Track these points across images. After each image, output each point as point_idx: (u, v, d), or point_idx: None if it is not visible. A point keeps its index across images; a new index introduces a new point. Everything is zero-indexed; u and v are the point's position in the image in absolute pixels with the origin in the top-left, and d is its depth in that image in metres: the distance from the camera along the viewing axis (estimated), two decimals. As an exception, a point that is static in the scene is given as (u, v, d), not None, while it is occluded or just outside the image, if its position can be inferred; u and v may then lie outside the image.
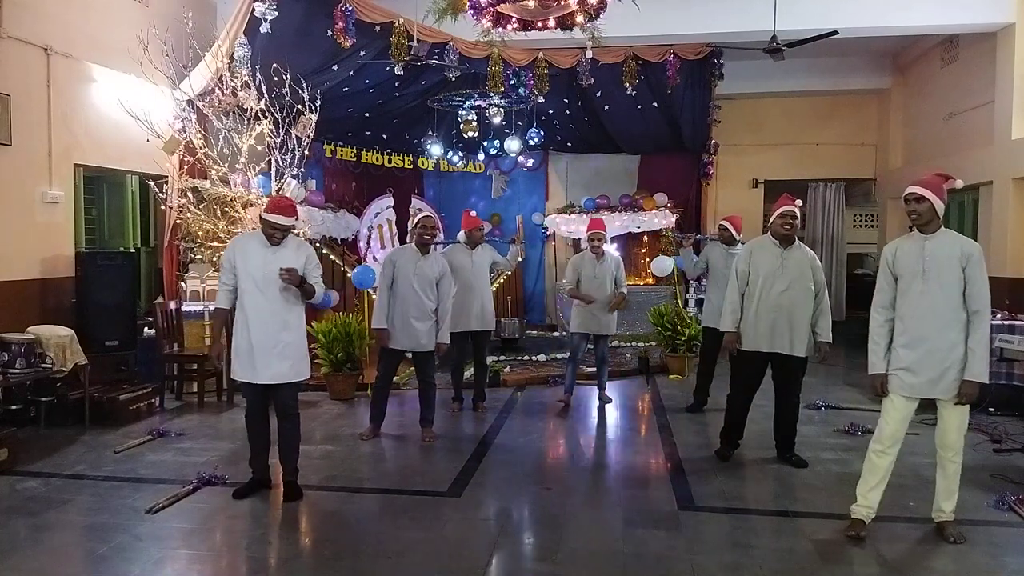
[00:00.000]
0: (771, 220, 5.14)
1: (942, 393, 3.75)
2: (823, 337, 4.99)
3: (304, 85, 7.31)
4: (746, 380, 5.19)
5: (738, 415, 5.25)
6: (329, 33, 7.19)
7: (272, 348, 4.38)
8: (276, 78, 7.12)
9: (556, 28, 5.29)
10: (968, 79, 9.63)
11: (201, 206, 7.54)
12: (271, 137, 7.44)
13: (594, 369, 7.01)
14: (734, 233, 6.65)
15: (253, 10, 6.71)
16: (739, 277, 5.12)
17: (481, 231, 6.74)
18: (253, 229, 6.98)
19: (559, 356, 8.82)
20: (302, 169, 7.94)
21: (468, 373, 6.90)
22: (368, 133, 10.92)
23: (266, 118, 7.29)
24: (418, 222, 5.74)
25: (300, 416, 4.65)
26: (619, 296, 6.72)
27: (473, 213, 6.81)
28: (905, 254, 3.84)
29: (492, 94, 9.03)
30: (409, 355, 5.81)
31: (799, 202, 5.09)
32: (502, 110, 9.85)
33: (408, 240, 6.02)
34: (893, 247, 3.93)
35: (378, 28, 7.50)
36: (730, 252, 6.52)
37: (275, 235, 4.35)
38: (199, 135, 7.30)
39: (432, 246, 5.84)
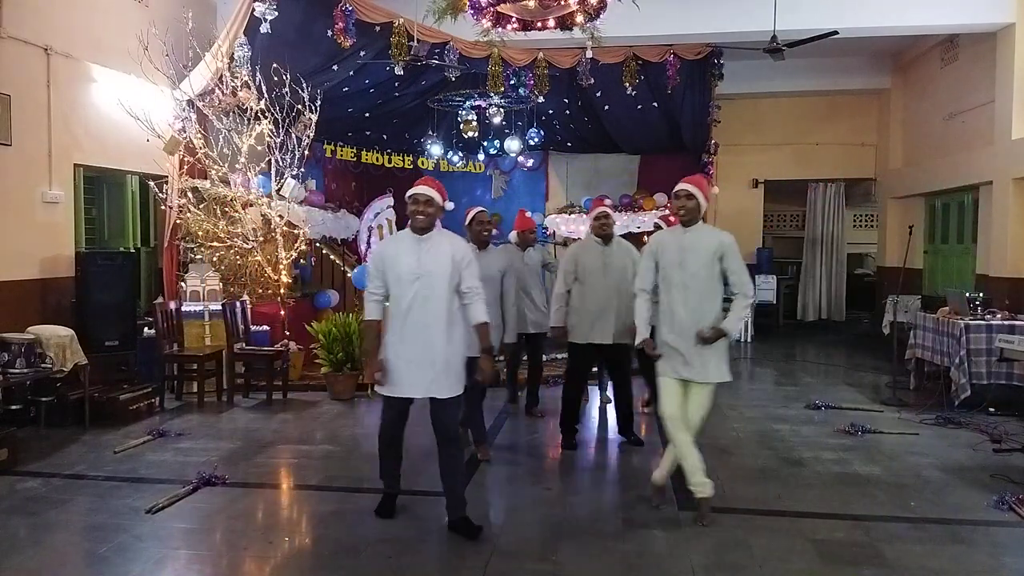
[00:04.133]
0: (589, 223, 5.54)
1: (694, 376, 4.03)
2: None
3: (304, 85, 7.31)
4: (579, 370, 5.63)
5: (575, 404, 5.63)
6: (329, 33, 7.19)
7: (429, 359, 3.84)
8: (276, 78, 7.12)
9: (556, 28, 5.29)
10: (968, 79, 9.63)
11: (201, 206, 7.54)
12: (271, 137, 7.45)
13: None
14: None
15: (253, 10, 6.72)
16: (565, 277, 5.50)
17: (534, 233, 6.67)
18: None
19: (559, 356, 8.79)
20: (302, 169, 7.95)
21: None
22: (368, 133, 10.92)
23: (266, 118, 7.29)
24: (473, 217, 5.37)
25: (460, 442, 4.16)
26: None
27: (529, 214, 6.77)
28: (667, 246, 4.13)
29: (492, 94, 9.03)
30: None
31: (609, 201, 5.40)
32: (502, 110, 9.85)
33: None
34: (657, 238, 4.28)
35: (378, 28, 7.50)
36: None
37: (418, 215, 3.83)
38: (199, 135, 7.30)
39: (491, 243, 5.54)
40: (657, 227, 6.59)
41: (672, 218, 6.84)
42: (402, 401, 3.96)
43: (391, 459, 4.20)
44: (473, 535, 3.85)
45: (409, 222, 3.93)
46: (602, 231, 5.42)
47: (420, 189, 3.89)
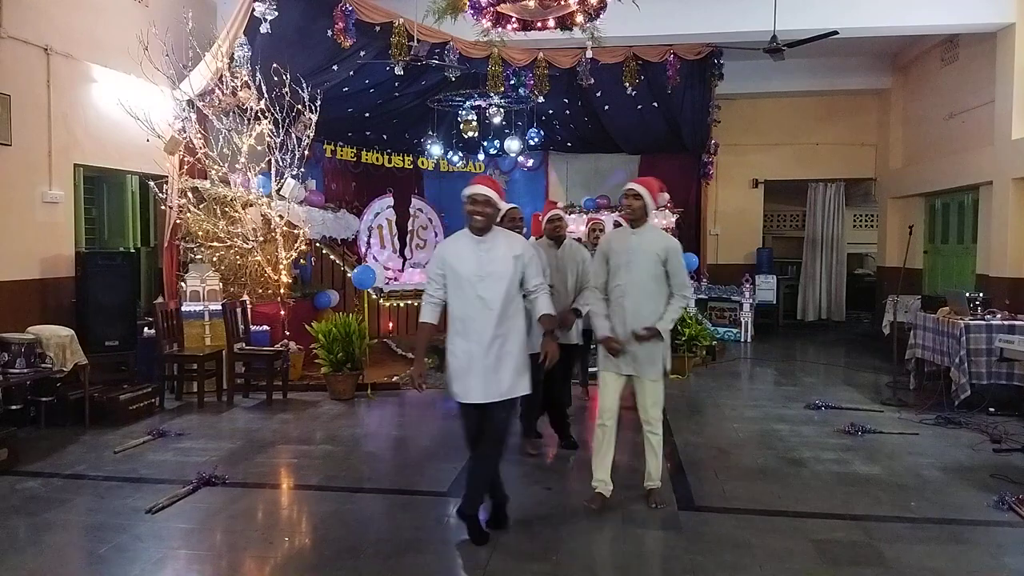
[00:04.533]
0: (543, 225, 5.62)
1: (638, 371, 4.16)
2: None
3: (304, 85, 7.31)
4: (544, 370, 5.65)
5: (557, 405, 5.63)
6: (329, 33, 7.19)
7: (489, 362, 3.76)
8: (276, 78, 7.13)
9: (556, 28, 5.29)
10: (968, 79, 9.64)
11: (201, 206, 7.55)
12: (271, 137, 7.45)
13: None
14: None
15: (253, 10, 6.72)
16: None
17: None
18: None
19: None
20: (302, 169, 7.95)
21: None
22: (368, 133, 10.92)
23: (266, 118, 7.29)
24: (552, 217, 5.39)
25: (505, 447, 4.01)
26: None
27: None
28: (617, 246, 4.23)
29: (492, 94, 9.04)
30: None
31: (560, 203, 5.49)
32: (502, 110, 9.85)
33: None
34: (608, 238, 4.38)
35: (378, 28, 7.50)
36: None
37: (476, 215, 3.74)
38: (199, 135, 7.31)
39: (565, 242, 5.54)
40: (617, 225, 6.68)
41: (597, 217, 7.12)
42: (473, 407, 3.85)
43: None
44: (478, 539, 3.79)
45: (467, 223, 3.82)
46: (555, 233, 5.48)
47: (477, 189, 3.77)
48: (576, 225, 11.17)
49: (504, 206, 4.36)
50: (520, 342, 3.84)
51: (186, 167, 7.42)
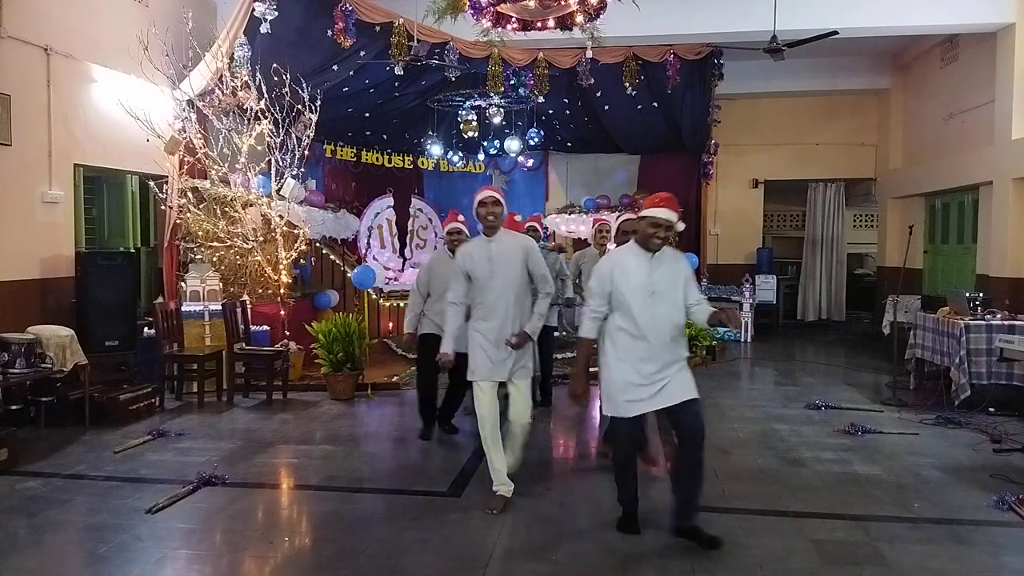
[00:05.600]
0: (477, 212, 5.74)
1: (508, 376, 4.22)
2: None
3: (304, 85, 7.31)
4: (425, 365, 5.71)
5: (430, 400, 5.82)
6: (329, 33, 7.19)
7: (666, 369, 3.76)
8: (276, 78, 7.12)
9: (556, 28, 5.29)
10: (968, 79, 9.64)
11: (201, 206, 7.55)
12: (271, 137, 7.45)
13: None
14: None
15: (253, 10, 6.72)
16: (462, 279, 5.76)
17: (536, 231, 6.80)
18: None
19: (558, 356, 8.79)
20: (302, 169, 7.95)
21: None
22: (368, 133, 10.92)
23: (266, 118, 7.29)
24: (622, 223, 5.29)
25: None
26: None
27: (517, 217, 6.79)
28: (476, 257, 4.26)
29: (492, 94, 9.04)
30: None
31: (462, 218, 5.68)
32: (502, 110, 9.86)
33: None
34: (464, 251, 4.39)
35: (378, 28, 7.50)
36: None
37: (654, 237, 3.70)
38: (199, 135, 7.31)
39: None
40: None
41: (602, 217, 7.06)
42: (639, 419, 3.87)
43: (633, 482, 4.00)
44: (710, 544, 3.68)
45: (642, 239, 3.76)
46: (453, 247, 5.40)
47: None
48: (576, 226, 11.23)
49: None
50: (684, 348, 3.90)
51: (186, 167, 7.42)
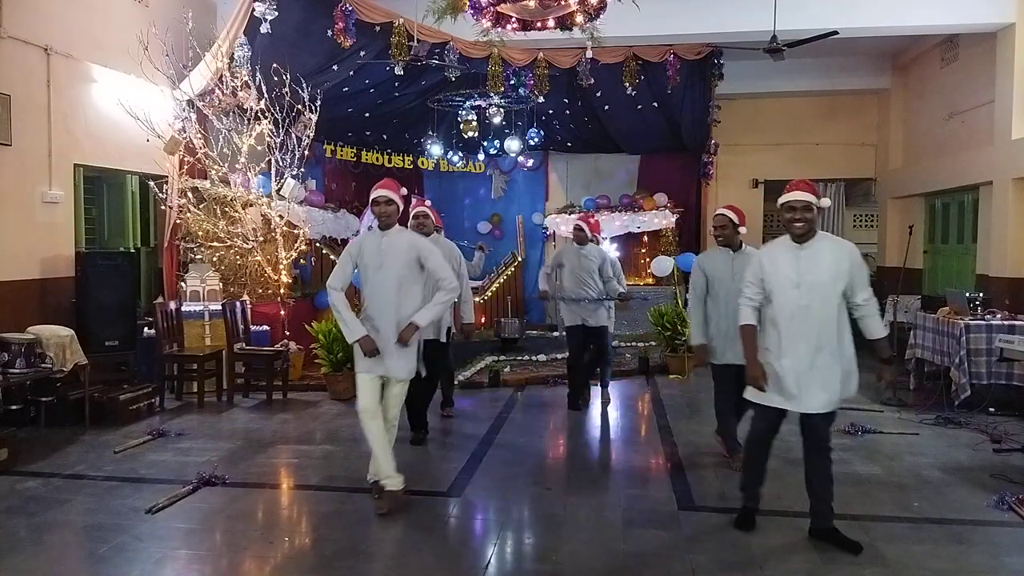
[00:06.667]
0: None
1: (389, 372, 4.26)
2: None
3: (304, 85, 7.31)
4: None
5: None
6: (329, 33, 7.18)
7: (816, 372, 3.67)
8: (276, 78, 7.13)
9: (556, 28, 5.29)
10: (968, 79, 9.63)
11: (201, 206, 7.55)
12: (271, 137, 7.45)
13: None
14: (588, 234, 6.69)
15: (253, 10, 6.71)
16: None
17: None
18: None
19: (559, 356, 8.81)
20: (302, 169, 7.95)
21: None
22: (368, 133, 10.91)
23: (266, 118, 7.29)
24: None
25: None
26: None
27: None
28: (367, 249, 4.33)
29: (492, 94, 9.03)
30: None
31: (428, 202, 5.80)
32: (502, 110, 9.85)
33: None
34: (357, 242, 4.43)
35: (378, 28, 7.50)
36: (581, 251, 6.69)
37: (793, 222, 3.64)
38: (199, 135, 7.31)
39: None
40: (579, 228, 6.68)
41: (591, 219, 7.04)
42: (780, 413, 3.83)
43: (761, 472, 4.03)
44: (851, 548, 3.69)
45: (788, 231, 3.73)
46: (420, 230, 5.45)
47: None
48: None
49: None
50: (849, 348, 3.76)
51: (186, 167, 7.43)
